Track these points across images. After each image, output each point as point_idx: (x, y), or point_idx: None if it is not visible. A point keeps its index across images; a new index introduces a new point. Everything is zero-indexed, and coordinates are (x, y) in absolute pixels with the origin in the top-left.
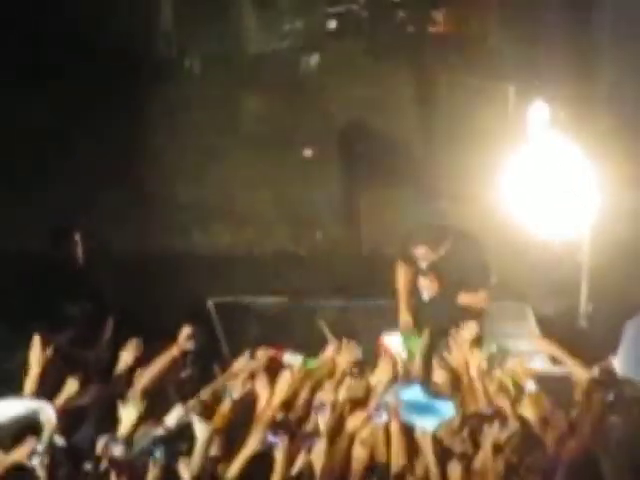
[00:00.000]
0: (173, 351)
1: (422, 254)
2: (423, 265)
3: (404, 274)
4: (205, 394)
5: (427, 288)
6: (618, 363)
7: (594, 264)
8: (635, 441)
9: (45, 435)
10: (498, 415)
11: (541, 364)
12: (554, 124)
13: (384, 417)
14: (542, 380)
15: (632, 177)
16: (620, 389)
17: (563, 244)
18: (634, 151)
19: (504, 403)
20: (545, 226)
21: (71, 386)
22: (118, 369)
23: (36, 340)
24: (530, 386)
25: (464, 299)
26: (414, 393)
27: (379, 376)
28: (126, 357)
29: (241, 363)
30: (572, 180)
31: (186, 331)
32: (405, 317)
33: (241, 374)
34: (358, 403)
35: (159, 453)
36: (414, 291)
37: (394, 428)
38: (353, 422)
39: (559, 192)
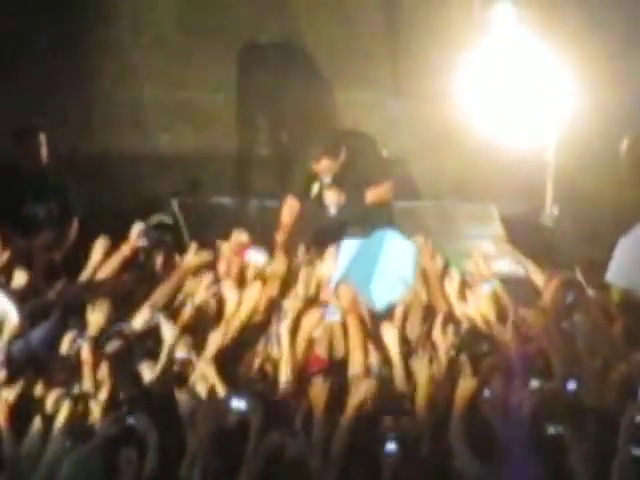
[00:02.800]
0: (124, 250)
1: (325, 166)
2: (326, 179)
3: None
4: (159, 294)
5: (333, 202)
6: (612, 278)
7: (560, 165)
8: (597, 340)
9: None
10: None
11: (506, 266)
12: (521, 24)
13: (336, 315)
14: (506, 282)
15: (600, 78)
16: (581, 290)
17: (529, 145)
18: (604, 52)
19: (462, 306)
20: (511, 127)
21: (19, 278)
22: (87, 268)
23: None
24: (487, 287)
25: (371, 197)
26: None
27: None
28: (95, 256)
29: (190, 259)
30: (539, 81)
31: (137, 228)
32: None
33: (192, 269)
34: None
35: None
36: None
37: (351, 322)
38: (307, 322)
39: (526, 93)
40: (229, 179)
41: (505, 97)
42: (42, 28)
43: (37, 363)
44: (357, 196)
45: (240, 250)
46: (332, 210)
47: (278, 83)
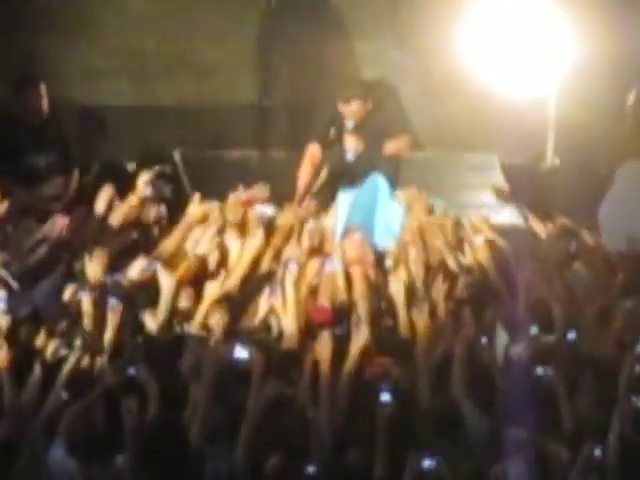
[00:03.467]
0: (132, 199)
1: (354, 109)
2: (350, 124)
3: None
4: (166, 246)
5: (353, 148)
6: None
7: (561, 115)
8: (596, 289)
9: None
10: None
11: (508, 216)
12: None
13: (336, 264)
14: (508, 233)
15: (601, 28)
16: (582, 239)
17: (530, 95)
18: (607, 3)
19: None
20: (512, 78)
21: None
22: (93, 214)
23: None
24: (485, 236)
25: (389, 149)
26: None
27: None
28: (99, 205)
29: (193, 209)
30: (540, 31)
31: (144, 177)
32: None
33: (197, 223)
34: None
35: (116, 302)
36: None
37: (355, 273)
38: (307, 272)
39: (527, 43)
40: (231, 131)
41: (506, 47)
42: None
43: (38, 316)
44: (376, 146)
45: (248, 204)
46: (350, 156)
47: (279, 34)
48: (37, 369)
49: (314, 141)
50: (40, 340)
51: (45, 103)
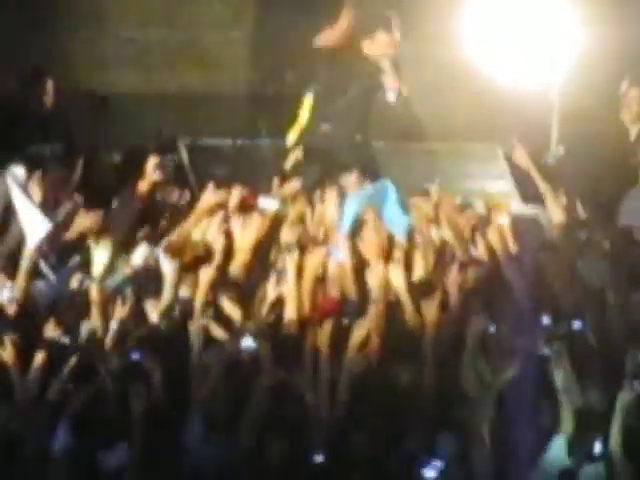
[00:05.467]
0: (141, 185)
1: (385, 43)
2: (386, 63)
3: None
4: (177, 233)
5: (395, 89)
6: None
7: (565, 105)
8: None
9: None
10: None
11: (514, 205)
12: None
13: (341, 254)
14: (514, 221)
15: (606, 19)
16: (592, 230)
17: (535, 86)
18: None
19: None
20: (517, 68)
21: None
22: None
23: None
24: (502, 219)
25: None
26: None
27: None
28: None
29: (208, 197)
30: (545, 22)
31: (153, 160)
32: None
33: (210, 211)
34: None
35: (129, 291)
36: None
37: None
38: (313, 259)
39: (532, 33)
40: (234, 119)
41: (512, 38)
42: None
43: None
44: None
45: (250, 197)
46: (392, 97)
47: (282, 21)
48: (42, 357)
49: None
50: (49, 328)
51: (51, 94)
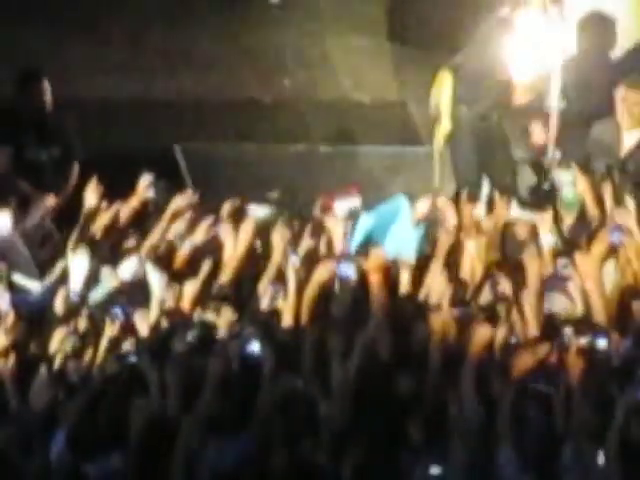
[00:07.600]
0: (132, 202)
1: None
2: None
3: None
4: (152, 239)
5: None
6: None
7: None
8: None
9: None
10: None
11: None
12: None
13: (351, 271)
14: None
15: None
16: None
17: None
18: None
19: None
20: (515, 62)
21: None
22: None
23: None
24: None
25: None
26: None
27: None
28: (89, 198)
29: (177, 202)
30: (544, 17)
31: (146, 179)
32: None
33: (176, 215)
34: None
35: (118, 310)
36: None
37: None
38: (320, 273)
39: (530, 31)
40: (231, 125)
41: (509, 44)
42: None
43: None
44: None
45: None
46: None
47: (277, 28)
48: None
49: None
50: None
51: (48, 98)
